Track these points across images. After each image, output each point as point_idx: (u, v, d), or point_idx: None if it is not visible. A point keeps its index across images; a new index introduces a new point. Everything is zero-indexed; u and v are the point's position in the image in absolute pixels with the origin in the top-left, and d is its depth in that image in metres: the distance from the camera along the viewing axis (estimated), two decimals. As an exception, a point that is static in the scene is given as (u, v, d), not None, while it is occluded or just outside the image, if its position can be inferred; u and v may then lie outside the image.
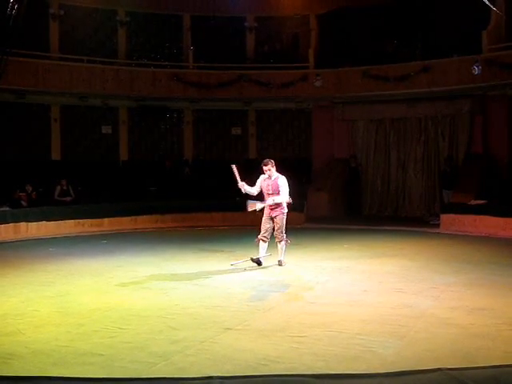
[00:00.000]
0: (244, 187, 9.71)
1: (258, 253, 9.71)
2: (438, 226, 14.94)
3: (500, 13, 15.26)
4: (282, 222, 9.65)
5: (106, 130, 18.84)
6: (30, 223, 14.28)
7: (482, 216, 14.02)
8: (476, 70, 15.16)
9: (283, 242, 9.72)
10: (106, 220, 15.52)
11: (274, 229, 9.67)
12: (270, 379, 4.33)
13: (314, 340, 5.61)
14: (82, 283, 8.59)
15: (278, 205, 9.59)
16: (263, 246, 9.71)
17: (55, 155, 18.03)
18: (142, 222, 15.94)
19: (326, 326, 6.10)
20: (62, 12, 17.69)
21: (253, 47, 19.62)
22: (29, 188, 15.18)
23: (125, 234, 14.69)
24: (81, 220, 15.13)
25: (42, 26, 17.52)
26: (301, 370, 4.71)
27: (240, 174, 9.75)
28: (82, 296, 7.70)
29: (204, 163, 19.38)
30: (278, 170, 9.72)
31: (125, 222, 15.69)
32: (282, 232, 9.64)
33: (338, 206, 17.82)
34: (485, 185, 15.30)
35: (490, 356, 5.08)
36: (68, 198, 15.81)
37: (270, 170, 9.58)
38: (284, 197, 9.58)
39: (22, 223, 14.15)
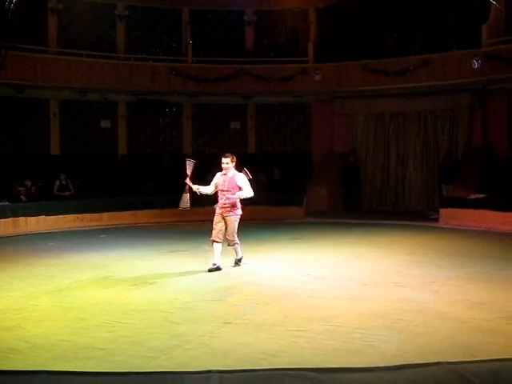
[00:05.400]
0: (199, 189, 8.83)
1: (214, 257, 8.86)
2: (437, 220, 14.94)
3: (500, 6, 15.23)
4: (234, 225, 8.81)
5: (105, 124, 18.81)
6: (29, 218, 14.30)
7: (481, 210, 14.03)
8: (476, 64, 15.14)
9: (236, 246, 9.00)
10: (105, 214, 15.55)
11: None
12: (269, 373, 4.32)
13: (313, 334, 5.61)
14: (81, 277, 8.59)
15: (232, 205, 8.76)
16: (218, 247, 8.83)
17: (54, 150, 18.00)
18: (141, 216, 15.97)
19: (326, 320, 6.10)
20: (60, 6, 17.61)
21: (252, 41, 19.56)
22: (28, 183, 15.17)
23: (124, 229, 14.71)
24: (80, 214, 15.16)
25: (41, 19, 17.43)
26: (301, 364, 4.69)
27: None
28: (82, 290, 7.70)
29: (203, 157, 19.31)
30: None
31: (124, 217, 15.72)
32: (233, 236, 8.85)
33: (338, 200, 17.81)
34: (484, 179, 15.29)
35: (489, 350, 5.08)
36: (67, 193, 15.82)
37: (228, 163, 8.74)
38: (248, 192, 8.75)
39: (21, 218, 14.18)
